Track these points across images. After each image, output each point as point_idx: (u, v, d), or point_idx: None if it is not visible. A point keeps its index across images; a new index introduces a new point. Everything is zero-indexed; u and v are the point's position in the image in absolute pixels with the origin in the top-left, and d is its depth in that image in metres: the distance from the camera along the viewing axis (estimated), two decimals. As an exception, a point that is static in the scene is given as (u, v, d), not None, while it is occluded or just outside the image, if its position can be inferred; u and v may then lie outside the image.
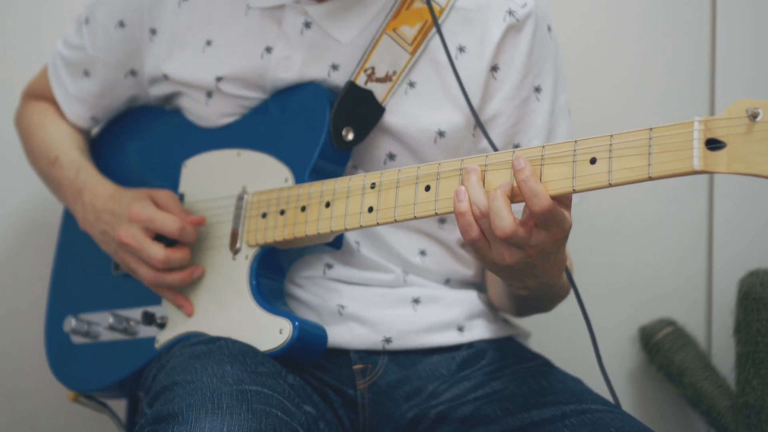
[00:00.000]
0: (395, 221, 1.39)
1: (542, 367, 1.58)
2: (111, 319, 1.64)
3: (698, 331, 2.10)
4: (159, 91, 1.72)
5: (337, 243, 1.53)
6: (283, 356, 1.49)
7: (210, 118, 1.67)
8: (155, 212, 1.58)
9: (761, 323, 1.82)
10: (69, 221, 1.82)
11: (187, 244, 1.59)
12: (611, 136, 1.23)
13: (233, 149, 1.64)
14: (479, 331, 1.62)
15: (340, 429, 1.56)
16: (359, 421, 1.58)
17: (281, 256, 1.56)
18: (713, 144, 1.15)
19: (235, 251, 1.57)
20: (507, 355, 1.60)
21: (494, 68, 1.55)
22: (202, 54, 1.64)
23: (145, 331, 1.64)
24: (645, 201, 2.10)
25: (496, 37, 1.53)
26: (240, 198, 1.59)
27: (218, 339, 1.52)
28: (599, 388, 1.51)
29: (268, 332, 1.50)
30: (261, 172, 1.59)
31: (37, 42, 2.06)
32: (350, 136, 1.54)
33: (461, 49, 1.54)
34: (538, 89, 1.57)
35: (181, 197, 1.67)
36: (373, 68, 1.55)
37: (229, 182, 1.62)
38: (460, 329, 1.60)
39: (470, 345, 1.61)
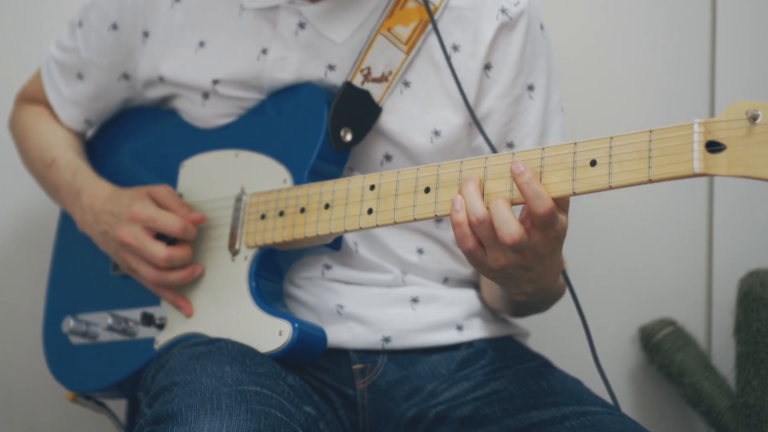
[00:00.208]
0: (395, 223, 1.39)
1: (542, 367, 1.58)
2: (110, 320, 1.64)
3: (698, 331, 2.10)
4: (155, 93, 1.72)
5: (336, 244, 1.53)
6: (282, 358, 1.49)
7: (207, 119, 1.67)
8: (157, 212, 1.58)
9: (761, 323, 1.82)
10: (66, 222, 1.82)
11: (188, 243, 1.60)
12: (611, 138, 1.23)
13: (231, 150, 1.64)
14: (478, 330, 1.62)
15: (341, 429, 1.56)
16: (359, 420, 1.58)
17: (280, 257, 1.56)
18: (713, 146, 1.15)
19: (234, 252, 1.57)
20: (506, 355, 1.60)
21: (487, 66, 1.55)
22: (196, 55, 1.64)
23: (144, 332, 1.64)
24: (645, 201, 2.10)
25: (489, 36, 1.53)
26: (238, 199, 1.59)
27: (218, 340, 1.52)
28: (599, 388, 1.51)
29: (267, 334, 1.50)
30: (259, 173, 1.59)
31: (36, 42, 2.06)
32: (348, 137, 1.54)
33: (455, 48, 1.54)
34: (531, 87, 1.57)
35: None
36: (369, 68, 1.55)
37: (227, 183, 1.61)
38: (459, 328, 1.60)
39: (469, 344, 1.61)
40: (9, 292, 2.13)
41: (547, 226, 1.26)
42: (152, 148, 1.75)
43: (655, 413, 2.13)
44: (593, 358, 1.45)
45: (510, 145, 1.57)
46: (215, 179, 1.64)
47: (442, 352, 1.59)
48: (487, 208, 1.27)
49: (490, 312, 1.64)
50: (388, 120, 1.56)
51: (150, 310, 1.64)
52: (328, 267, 1.59)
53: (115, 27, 1.70)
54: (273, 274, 1.57)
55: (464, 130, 1.57)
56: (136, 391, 1.68)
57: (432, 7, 1.54)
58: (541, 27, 1.57)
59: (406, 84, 1.56)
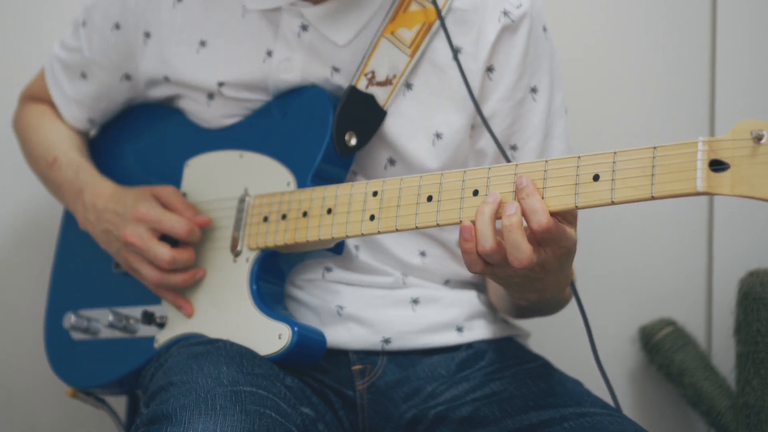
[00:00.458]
0: (396, 230, 1.39)
1: (542, 368, 1.58)
2: (111, 317, 1.64)
3: (698, 331, 2.10)
4: (158, 93, 1.72)
5: (337, 249, 1.53)
6: (281, 361, 1.49)
7: (212, 120, 1.67)
8: (163, 213, 1.58)
9: (761, 323, 1.82)
10: (69, 219, 1.82)
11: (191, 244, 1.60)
12: (615, 153, 1.23)
13: (235, 150, 1.64)
14: (479, 331, 1.62)
15: (340, 430, 1.56)
16: (358, 421, 1.58)
17: (282, 260, 1.56)
18: (717, 165, 1.15)
19: (236, 254, 1.57)
20: (506, 356, 1.60)
21: (490, 69, 1.55)
22: (198, 55, 1.64)
23: (145, 330, 1.64)
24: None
25: (491, 38, 1.53)
26: (241, 200, 1.59)
27: (217, 340, 1.52)
28: (599, 388, 1.51)
29: (267, 337, 1.50)
30: (263, 175, 1.59)
31: (36, 42, 2.06)
32: (353, 141, 1.54)
33: (458, 50, 1.54)
34: (534, 90, 1.56)
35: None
36: (373, 72, 1.55)
37: (231, 184, 1.61)
38: (459, 330, 1.60)
39: (469, 345, 1.61)
40: (9, 292, 2.13)
41: (547, 242, 1.26)
42: (156, 147, 1.75)
43: (655, 413, 2.13)
44: (595, 359, 1.45)
45: (513, 148, 1.57)
46: (219, 179, 1.64)
47: (442, 353, 1.59)
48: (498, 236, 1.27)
49: (490, 313, 1.64)
50: (392, 124, 1.56)
51: (151, 308, 1.64)
52: (328, 269, 1.59)
53: (117, 27, 1.70)
54: (274, 277, 1.57)
55: (467, 132, 1.57)
56: (135, 388, 1.68)
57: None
58: (544, 29, 1.57)
59: (409, 86, 1.56)
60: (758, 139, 1.12)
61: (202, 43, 1.64)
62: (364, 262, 1.58)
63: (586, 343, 1.48)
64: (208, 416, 1.29)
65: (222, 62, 1.62)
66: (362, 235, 1.42)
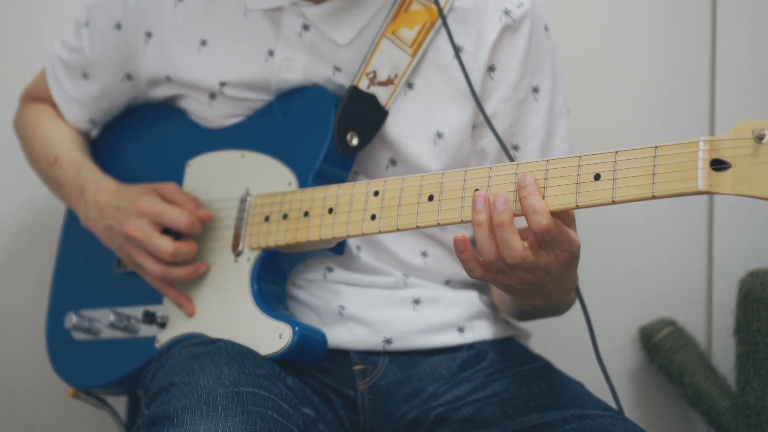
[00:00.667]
0: (397, 230, 1.39)
1: (543, 369, 1.58)
2: (112, 317, 1.64)
3: (698, 331, 2.10)
4: (160, 93, 1.72)
5: (339, 248, 1.53)
6: (282, 361, 1.49)
7: (213, 119, 1.67)
8: (164, 206, 1.58)
9: (761, 323, 1.82)
10: (71, 219, 1.82)
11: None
12: (616, 152, 1.23)
13: (237, 150, 1.64)
14: (480, 332, 1.62)
15: (341, 430, 1.56)
16: (359, 422, 1.58)
17: (283, 259, 1.56)
18: (718, 165, 1.15)
19: (237, 253, 1.57)
20: (508, 356, 1.60)
21: (491, 68, 1.55)
22: (198, 54, 1.64)
23: (146, 330, 1.64)
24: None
25: (492, 38, 1.53)
26: (243, 200, 1.59)
27: (218, 340, 1.52)
28: (600, 389, 1.51)
29: (268, 336, 1.50)
30: (265, 175, 1.59)
31: (36, 42, 2.06)
32: (355, 141, 1.54)
33: (459, 50, 1.54)
34: (535, 89, 1.56)
35: (186, 196, 1.67)
36: (375, 72, 1.55)
37: (233, 183, 1.62)
38: (461, 330, 1.60)
39: (471, 346, 1.60)
40: (9, 292, 2.13)
41: (549, 244, 1.26)
42: (158, 147, 1.75)
43: (655, 413, 2.13)
44: (598, 361, 1.45)
45: (515, 148, 1.57)
46: (221, 179, 1.64)
47: (443, 354, 1.59)
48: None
49: (492, 314, 1.64)
50: (393, 124, 1.56)
51: (152, 308, 1.64)
52: (330, 269, 1.59)
53: (119, 27, 1.70)
54: (275, 277, 1.57)
55: (468, 132, 1.57)
56: (136, 388, 1.68)
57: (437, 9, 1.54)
58: (545, 28, 1.57)
59: (410, 86, 1.56)
60: (760, 138, 1.13)
61: (204, 43, 1.64)
62: (365, 263, 1.58)
63: (587, 344, 1.48)
64: (210, 417, 1.29)
65: (223, 62, 1.62)
66: (363, 234, 1.43)
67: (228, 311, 1.56)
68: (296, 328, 1.49)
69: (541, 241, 1.26)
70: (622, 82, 2.11)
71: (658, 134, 2.10)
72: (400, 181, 1.40)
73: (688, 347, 2.02)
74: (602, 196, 1.23)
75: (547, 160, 1.27)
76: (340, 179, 1.55)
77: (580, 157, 1.25)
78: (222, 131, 1.67)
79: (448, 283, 1.63)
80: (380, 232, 1.41)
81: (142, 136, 1.78)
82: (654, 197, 1.20)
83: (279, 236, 1.52)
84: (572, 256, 1.29)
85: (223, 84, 1.63)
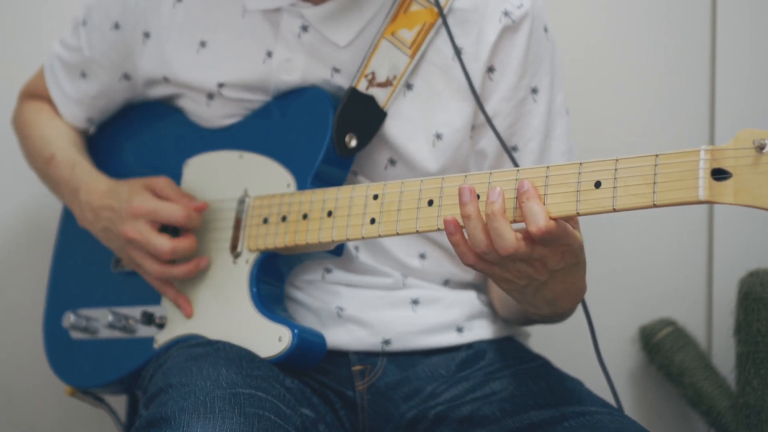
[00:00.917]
0: (397, 234, 1.39)
1: (542, 368, 1.58)
2: (110, 317, 1.64)
3: (698, 331, 2.10)
4: (158, 92, 1.72)
5: (338, 251, 1.53)
6: (282, 363, 1.49)
7: (211, 120, 1.67)
8: (158, 203, 1.58)
9: (761, 323, 1.82)
10: (68, 217, 1.82)
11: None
12: (616, 160, 1.22)
13: (235, 151, 1.63)
14: (479, 331, 1.62)
15: (341, 431, 1.56)
16: (358, 422, 1.58)
17: (281, 261, 1.56)
18: (719, 174, 1.15)
19: (235, 255, 1.57)
20: (507, 355, 1.60)
21: (490, 69, 1.54)
22: (198, 55, 1.64)
23: (144, 331, 1.64)
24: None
25: (492, 38, 1.53)
26: (241, 201, 1.59)
27: (217, 342, 1.52)
28: (600, 388, 1.51)
29: (267, 339, 1.50)
30: (263, 176, 1.58)
31: (36, 42, 2.06)
32: (353, 143, 1.54)
33: (459, 50, 1.54)
34: (534, 90, 1.56)
35: (182, 194, 1.67)
36: (373, 73, 1.55)
37: (231, 184, 1.61)
38: (460, 330, 1.60)
39: (470, 346, 1.60)
40: (9, 291, 2.13)
41: (548, 243, 1.26)
42: (156, 146, 1.75)
43: (655, 413, 2.13)
44: (598, 360, 1.45)
45: (514, 149, 1.57)
46: (218, 179, 1.63)
47: (442, 354, 1.59)
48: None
49: (490, 313, 1.64)
50: (392, 125, 1.55)
51: (150, 309, 1.64)
52: (328, 270, 1.59)
53: (117, 26, 1.70)
54: (274, 278, 1.57)
55: (467, 132, 1.57)
56: (135, 388, 1.68)
57: (436, 11, 1.53)
58: (545, 29, 1.56)
59: (409, 87, 1.56)
60: (761, 148, 1.12)
61: (202, 44, 1.64)
62: (363, 263, 1.58)
63: (586, 343, 1.48)
64: (207, 419, 1.29)
65: (222, 63, 1.62)
66: (363, 238, 1.42)
67: (227, 313, 1.56)
68: (296, 331, 1.49)
69: (540, 241, 1.26)
70: (622, 82, 2.11)
71: (658, 134, 2.09)
72: (399, 185, 1.39)
73: (688, 347, 2.02)
74: (603, 204, 1.23)
75: (548, 167, 1.27)
76: (339, 180, 1.55)
77: (580, 164, 1.25)
78: (220, 131, 1.67)
79: (446, 283, 1.63)
80: (380, 236, 1.41)
81: (140, 134, 1.77)
82: (655, 206, 1.19)
83: (278, 238, 1.52)
84: (572, 251, 1.29)
85: (221, 85, 1.63)
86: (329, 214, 1.47)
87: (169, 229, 1.59)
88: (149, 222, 1.58)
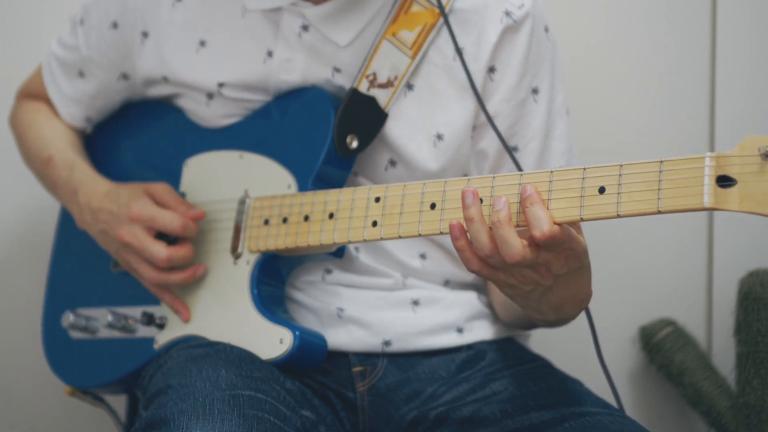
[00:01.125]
0: (399, 237, 1.38)
1: (542, 368, 1.58)
2: (110, 317, 1.64)
3: (698, 331, 2.10)
4: (157, 92, 1.71)
5: (339, 253, 1.52)
6: (283, 365, 1.49)
7: (211, 119, 1.67)
8: (156, 211, 1.58)
9: (761, 323, 1.82)
10: (66, 217, 1.81)
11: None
12: (621, 165, 1.22)
13: (235, 151, 1.63)
14: (479, 332, 1.61)
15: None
16: (359, 423, 1.58)
17: (282, 262, 1.55)
18: (724, 181, 1.15)
19: (236, 256, 1.56)
20: (507, 356, 1.60)
21: (491, 69, 1.54)
22: (197, 55, 1.64)
23: (144, 331, 1.64)
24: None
25: (493, 39, 1.53)
26: (242, 202, 1.58)
27: (217, 343, 1.52)
28: (600, 388, 1.51)
29: (268, 341, 1.50)
30: (263, 177, 1.58)
31: (36, 42, 2.05)
32: (354, 144, 1.54)
33: (460, 51, 1.54)
34: (535, 90, 1.56)
35: (182, 196, 1.66)
36: (374, 74, 1.55)
37: (231, 184, 1.61)
38: (460, 331, 1.60)
39: (470, 346, 1.60)
40: (9, 291, 2.13)
41: (551, 248, 1.26)
42: (155, 145, 1.75)
43: (655, 413, 2.13)
44: (599, 360, 1.45)
45: (514, 149, 1.56)
46: (219, 180, 1.63)
47: (443, 355, 1.59)
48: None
49: (490, 314, 1.64)
50: (393, 126, 1.55)
51: (150, 309, 1.63)
52: (329, 271, 1.59)
53: (115, 26, 1.69)
54: (275, 279, 1.56)
55: (468, 133, 1.57)
56: (135, 388, 1.68)
57: (437, 11, 1.53)
58: (546, 29, 1.56)
59: (410, 87, 1.56)
60: (766, 156, 1.12)
61: (202, 43, 1.64)
62: (364, 264, 1.58)
63: (587, 344, 1.48)
64: (206, 421, 1.29)
65: (222, 62, 1.62)
66: (365, 241, 1.42)
67: (227, 314, 1.55)
68: (297, 333, 1.48)
69: (544, 246, 1.26)
70: (622, 82, 2.11)
71: (658, 134, 2.10)
72: (401, 188, 1.39)
73: (688, 347, 2.02)
74: (607, 210, 1.23)
75: (551, 171, 1.26)
76: (340, 181, 1.55)
77: (584, 169, 1.24)
78: (220, 131, 1.66)
79: (446, 283, 1.63)
80: (382, 239, 1.40)
81: (139, 133, 1.77)
82: (659, 212, 1.19)
83: (279, 240, 1.51)
84: (576, 254, 1.28)
85: (221, 85, 1.63)
86: (331, 216, 1.46)
87: (167, 236, 1.59)
88: (146, 228, 1.58)
